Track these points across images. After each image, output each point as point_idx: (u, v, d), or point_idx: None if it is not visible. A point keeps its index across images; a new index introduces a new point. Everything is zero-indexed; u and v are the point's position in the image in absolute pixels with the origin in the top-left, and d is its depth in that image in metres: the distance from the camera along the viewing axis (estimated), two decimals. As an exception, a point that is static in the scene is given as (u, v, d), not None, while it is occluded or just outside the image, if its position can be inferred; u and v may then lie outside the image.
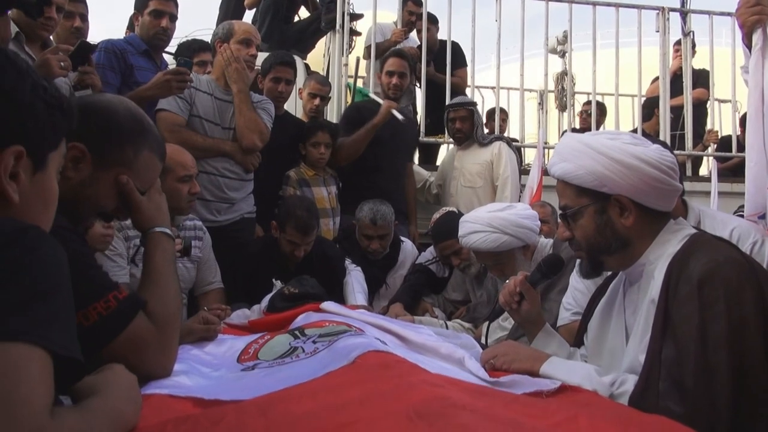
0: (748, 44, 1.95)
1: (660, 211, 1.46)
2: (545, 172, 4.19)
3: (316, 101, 3.87)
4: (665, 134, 5.07)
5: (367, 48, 4.85)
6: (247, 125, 2.91)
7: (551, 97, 5.83)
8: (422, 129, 4.89)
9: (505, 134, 5.41)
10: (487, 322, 2.12)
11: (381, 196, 3.33)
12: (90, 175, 1.29)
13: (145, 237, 1.41)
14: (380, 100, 3.73)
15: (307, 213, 2.79)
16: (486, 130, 5.01)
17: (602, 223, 1.46)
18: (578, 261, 1.64)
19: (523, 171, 4.51)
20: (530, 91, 5.94)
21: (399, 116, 3.60)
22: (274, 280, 2.61)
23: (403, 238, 3.42)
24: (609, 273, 1.64)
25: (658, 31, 5.04)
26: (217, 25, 4.72)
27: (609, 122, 5.78)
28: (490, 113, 5.48)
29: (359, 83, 5.02)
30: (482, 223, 2.40)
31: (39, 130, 0.88)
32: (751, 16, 1.90)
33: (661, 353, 1.27)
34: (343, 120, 3.87)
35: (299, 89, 4.07)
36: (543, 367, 1.43)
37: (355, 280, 2.99)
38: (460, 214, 2.96)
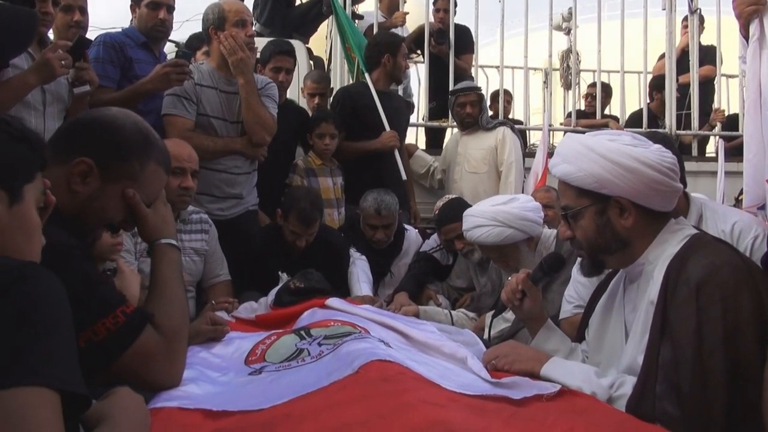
0: (745, 35, 1.94)
1: (660, 212, 1.48)
2: (551, 154, 4.21)
3: (316, 99, 3.90)
4: (671, 114, 5.05)
5: (369, 28, 4.83)
6: (256, 121, 2.91)
7: (556, 75, 5.79)
8: (426, 113, 4.88)
9: (510, 116, 5.38)
10: (490, 315, 2.17)
11: (385, 184, 3.36)
12: (97, 188, 1.33)
13: (152, 248, 1.44)
14: (382, 115, 3.70)
15: (310, 205, 2.82)
16: (491, 112, 5.02)
17: (602, 224, 1.47)
18: (579, 260, 1.65)
19: (528, 153, 4.51)
20: (535, 69, 5.90)
21: (403, 174, 3.67)
22: (280, 273, 2.65)
23: (407, 227, 3.44)
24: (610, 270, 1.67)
25: (664, 9, 4.99)
26: (217, 7, 4.73)
27: (615, 103, 5.75)
28: (494, 95, 5.45)
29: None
30: (486, 217, 2.42)
31: (7, 164, 0.90)
32: (748, 7, 1.90)
33: (659, 356, 1.30)
34: (336, 104, 3.83)
35: (302, 88, 4.08)
36: (543, 369, 1.47)
37: (360, 269, 3.03)
38: (465, 203, 3.00)
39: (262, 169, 3.17)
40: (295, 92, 4.11)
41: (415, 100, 5.37)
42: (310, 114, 3.80)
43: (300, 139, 3.65)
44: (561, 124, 5.53)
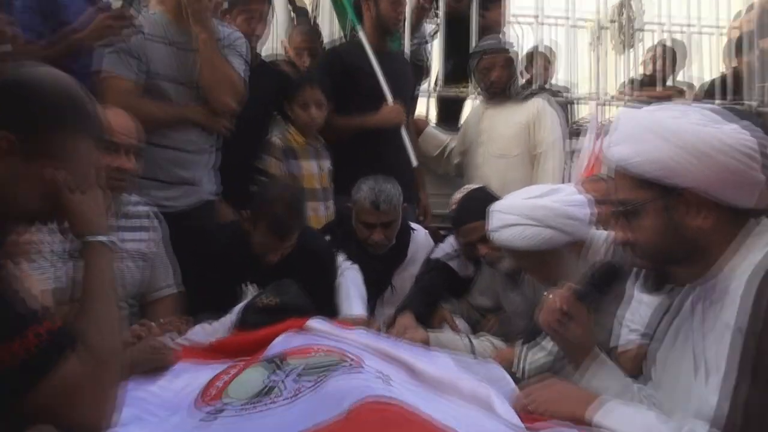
0: None
1: (739, 209, 1.48)
2: (602, 134, 4.19)
3: (305, 58, 3.89)
4: (753, 85, 5.04)
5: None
6: (219, 82, 2.91)
7: (610, 33, 5.77)
8: (440, 77, 4.85)
9: (550, 84, 5.37)
10: (522, 344, 2.16)
11: (386, 170, 3.34)
12: (14, 169, 1.32)
13: (81, 248, 1.42)
14: (382, 81, 3.68)
15: (287, 211, 2.77)
16: (524, 78, 4.99)
17: (668, 224, 1.49)
18: (640, 273, 1.64)
19: (573, 132, 4.51)
20: (583, 23, 5.88)
21: (413, 159, 3.70)
22: (245, 285, 2.63)
23: (414, 226, 3.44)
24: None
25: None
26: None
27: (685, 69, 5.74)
28: (530, 57, 5.43)
29: None
30: (518, 213, 2.39)
31: None
32: None
33: (746, 399, 1.30)
34: (322, 67, 3.82)
35: (282, 41, 4.12)
36: (593, 414, 1.47)
37: (351, 282, 3.01)
38: (492, 195, 2.98)
39: (226, 148, 3.15)
40: (271, 54, 4.10)
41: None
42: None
43: (277, 110, 3.63)
44: (615, 95, 5.51)
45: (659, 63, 5.41)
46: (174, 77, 2.93)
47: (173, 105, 2.92)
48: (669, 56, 5.50)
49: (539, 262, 2.46)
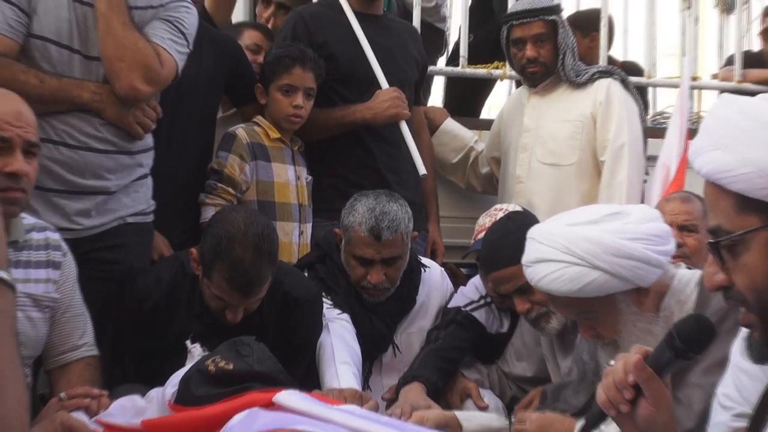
0: None
1: None
2: (693, 133, 4.15)
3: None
4: None
5: None
6: (119, 53, 2.89)
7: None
8: (462, 51, 4.84)
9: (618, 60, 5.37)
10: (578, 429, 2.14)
11: (378, 182, 3.41)
12: None
13: None
14: (370, 57, 3.74)
15: (252, 256, 2.75)
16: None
17: None
18: (743, 333, 1.68)
19: (653, 130, 4.50)
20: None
21: (420, 167, 3.74)
22: (188, 342, 2.66)
23: (426, 262, 3.50)
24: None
25: None
26: None
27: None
28: (587, 21, 5.45)
29: None
30: (555, 245, 2.38)
31: None
32: None
33: None
34: (282, 38, 3.88)
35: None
36: None
37: (339, 339, 3.05)
38: (535, 222, 2.94)
39: (166, 147, 3.24)
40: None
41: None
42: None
43: (234, 92, 3.71)
44: (714, 76, 5.53)
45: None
46: (67, 41, 2.93)
47: (55, 76, 2.89)
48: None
49: (586, 313, 2.45)
